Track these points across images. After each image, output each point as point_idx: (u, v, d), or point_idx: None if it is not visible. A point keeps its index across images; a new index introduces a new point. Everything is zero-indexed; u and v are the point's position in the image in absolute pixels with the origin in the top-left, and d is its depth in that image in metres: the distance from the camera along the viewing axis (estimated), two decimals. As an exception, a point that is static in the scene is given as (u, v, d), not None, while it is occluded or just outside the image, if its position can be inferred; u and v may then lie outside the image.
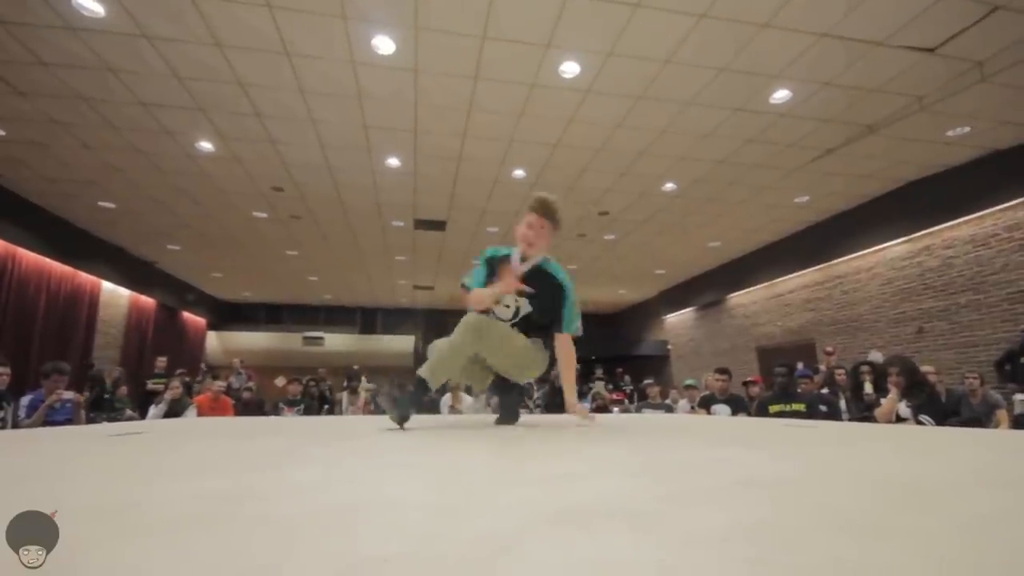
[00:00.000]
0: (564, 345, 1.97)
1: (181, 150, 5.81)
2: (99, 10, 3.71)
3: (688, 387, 5.67)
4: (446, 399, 5.40)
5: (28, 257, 7.53)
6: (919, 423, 3.22)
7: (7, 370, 3.99)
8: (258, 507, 0.57)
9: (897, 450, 1.19)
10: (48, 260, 7.88)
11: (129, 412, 5.73)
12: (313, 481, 0.72)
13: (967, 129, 5.31)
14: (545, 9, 3.77)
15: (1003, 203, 5.80)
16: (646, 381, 5.63)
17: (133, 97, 4.78)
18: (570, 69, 4.45)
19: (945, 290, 6.43)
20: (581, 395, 6.48)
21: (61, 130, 5.36)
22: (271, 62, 4.31)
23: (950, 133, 5.40)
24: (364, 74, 4.50)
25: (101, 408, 5.39)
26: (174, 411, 4.81)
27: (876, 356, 5.83)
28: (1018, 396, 4.48)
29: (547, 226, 1.93)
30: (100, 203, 7.38)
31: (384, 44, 4.12)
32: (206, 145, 5.71)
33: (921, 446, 1.27)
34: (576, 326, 1.98)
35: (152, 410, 5.00)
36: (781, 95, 4.79)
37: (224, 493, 0.64)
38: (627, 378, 10.66)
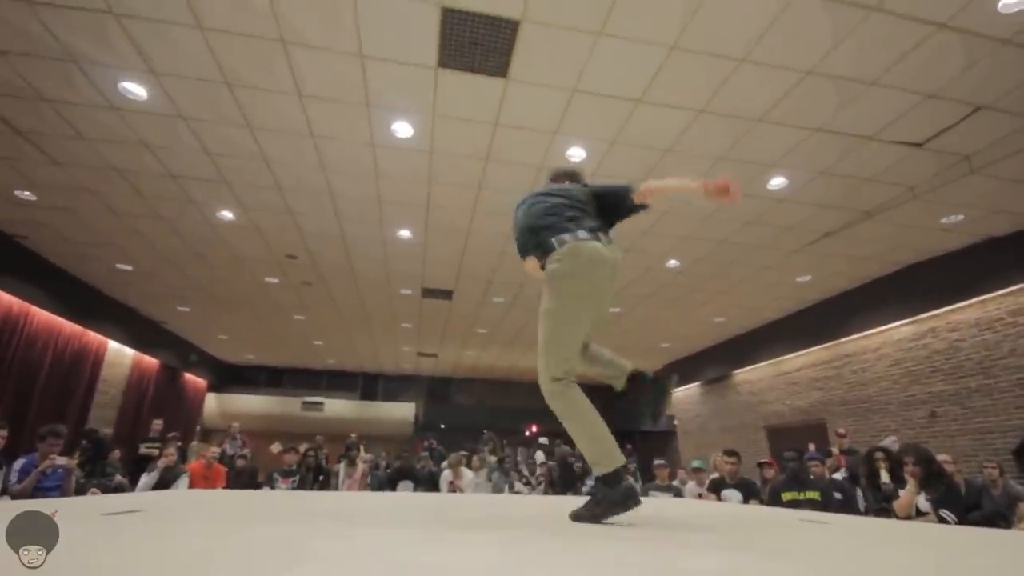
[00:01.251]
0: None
1: (203, 218, 6.05)
2: (142, 93, 4.02)
3: (696, 470, 5.47)
4: (446, 475, 5.24)
5: (40, 315, 7.62)
6: (940, 519, 3.08)
7: (4, 432, 3.93)
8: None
9: (919, 561, 1.15)
10: (59, 319, 7.97)
11: (119, 477, 5.57)
12: (318, 590, 0.71)
13: (961, 217, 5.47)
14: (553, 101, 4.06)
15: (1004, 288, 5.84)
16: (657, 462, 5.44)
17: (164, 169, 5.06)
18: (576, 154, 4.70)
19: (954, 373, 6.34)
20: (583, 477, 6.22)
21: (89, 197, 5.62)
22: (296, 142, 4.60)
23: (944, 220, 5.56)
24: (382, 155, 4.77)
25: (93, 473, 5.26)
26: (165, 480, 4.68)
27: (891, 442, 5.65)
28: (1041, 489, 4.29)
29: None
30: (118, 265, 7.58)
31: (403, 129, 4.41)
32: (227, 214, 5.95)
33: (946, 556, 1.22)
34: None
35: (144, 478, 4.87)
36: (778, 182, 5.01)
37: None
38: (634, 456, 10.26)
